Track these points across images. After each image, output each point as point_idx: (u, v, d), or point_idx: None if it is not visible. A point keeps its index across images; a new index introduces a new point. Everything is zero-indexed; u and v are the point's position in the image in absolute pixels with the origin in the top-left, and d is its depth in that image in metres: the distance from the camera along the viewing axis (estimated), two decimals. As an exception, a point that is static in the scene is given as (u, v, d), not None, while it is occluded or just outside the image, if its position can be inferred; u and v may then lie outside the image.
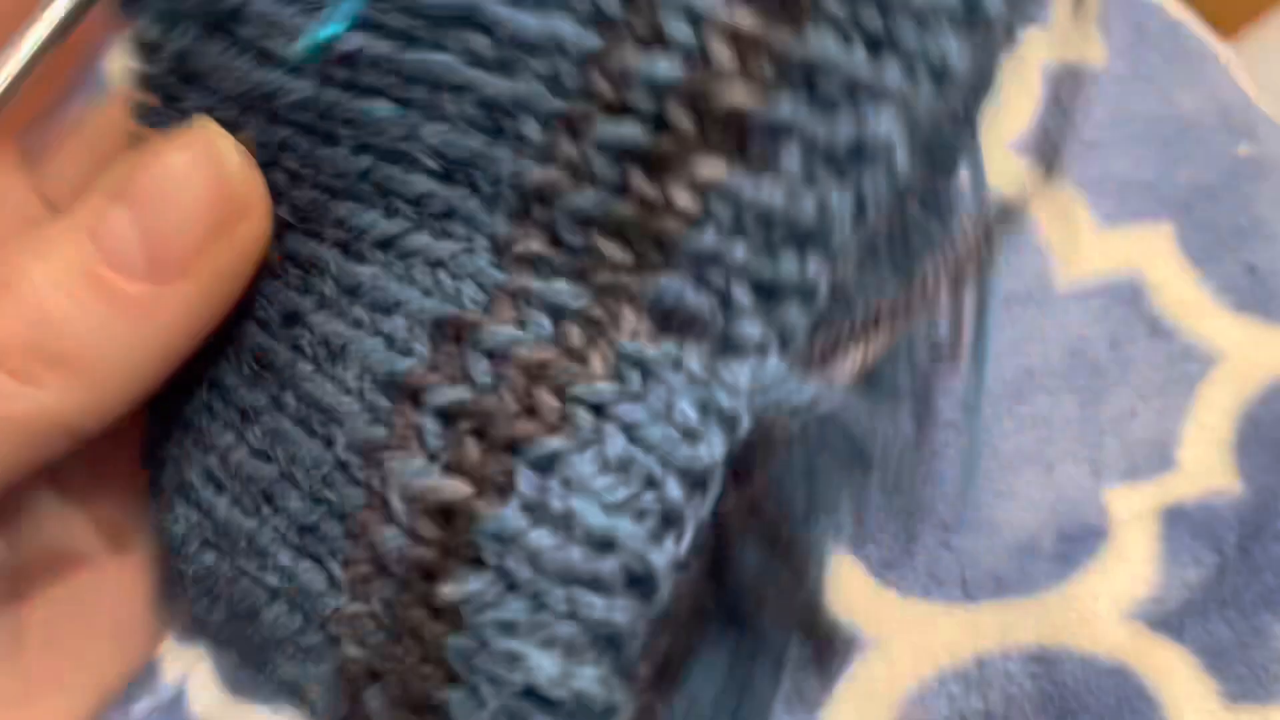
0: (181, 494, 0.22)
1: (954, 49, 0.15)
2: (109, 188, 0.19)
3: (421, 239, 0.18)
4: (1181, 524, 0.33)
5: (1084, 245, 0.36)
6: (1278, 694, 0.32)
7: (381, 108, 0.18)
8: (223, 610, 0.21)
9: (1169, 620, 0.32)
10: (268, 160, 0.19)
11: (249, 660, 0.22)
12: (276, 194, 0.20)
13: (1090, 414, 0.34)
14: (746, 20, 0.16)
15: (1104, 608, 0.32)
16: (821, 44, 0.15)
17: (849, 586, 0.32)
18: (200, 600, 0.22)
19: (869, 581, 0.33)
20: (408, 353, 0.18)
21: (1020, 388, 0.34)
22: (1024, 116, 0.34)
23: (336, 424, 0.19)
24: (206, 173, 0.19)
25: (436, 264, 0.18)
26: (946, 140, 0.18)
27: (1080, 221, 0.36)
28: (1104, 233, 0.36)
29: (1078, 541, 0.33)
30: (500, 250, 0.18)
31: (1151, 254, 0.36)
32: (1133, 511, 0.33)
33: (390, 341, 0.18)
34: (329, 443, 0.19)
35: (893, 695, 0.31)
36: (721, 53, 0.16)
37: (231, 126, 0.19)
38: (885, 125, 0.16)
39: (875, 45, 0.16)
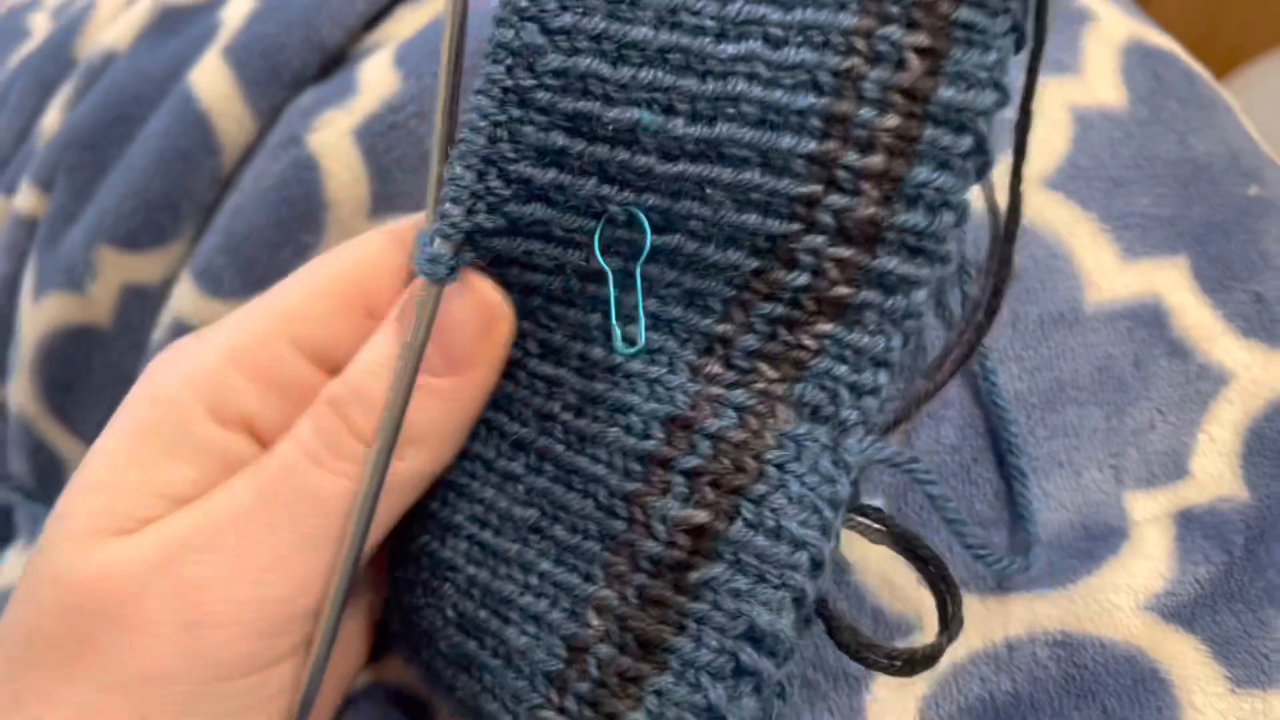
0: (451, 531, 0.31)
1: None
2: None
3: (638, 365, 0.28)
4: (1194, 526, 0.34)
5: (1109, 273, 0.36)
6: (1279, 680, 0.32)
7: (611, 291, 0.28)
8: (472, 604, 0.30)
9: (1181, 612, 0.33)
10: (524, 312, 0.29)
11: (473, 633, 0.30)
12: (526, 335, 0.30)
13: (1114, 425, 0.35)
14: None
15: (1123, 600, 0.33)
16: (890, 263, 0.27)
17: (895, 576, 0.33)
18: (448, 599, 0.31)
19: (912, 575, 0.32)
20: (647, 438, 0.27)
21: (1052, 399, 0.35)
22: (1056, 155, 0.37)
23: (595, 482, 0.28)
24: (472, 295, 0.28)
25: (653, 381, 0.28)
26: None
27: (1106, 252, 0.37)
28: (1127, 262, 0.36)
29: (1100, 540, 0.34)
30: (694, 371, 0.28)
31: (1169, 283, 0.36)
32: (1150, 514, 0.34)
33: (629, 430, 0.28)
34: (587, 494, 0.28)
35: (929, 674, 0.32)
36: (833, 273, 0.27)
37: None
38: (919, 302, 0.27)
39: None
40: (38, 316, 0.48)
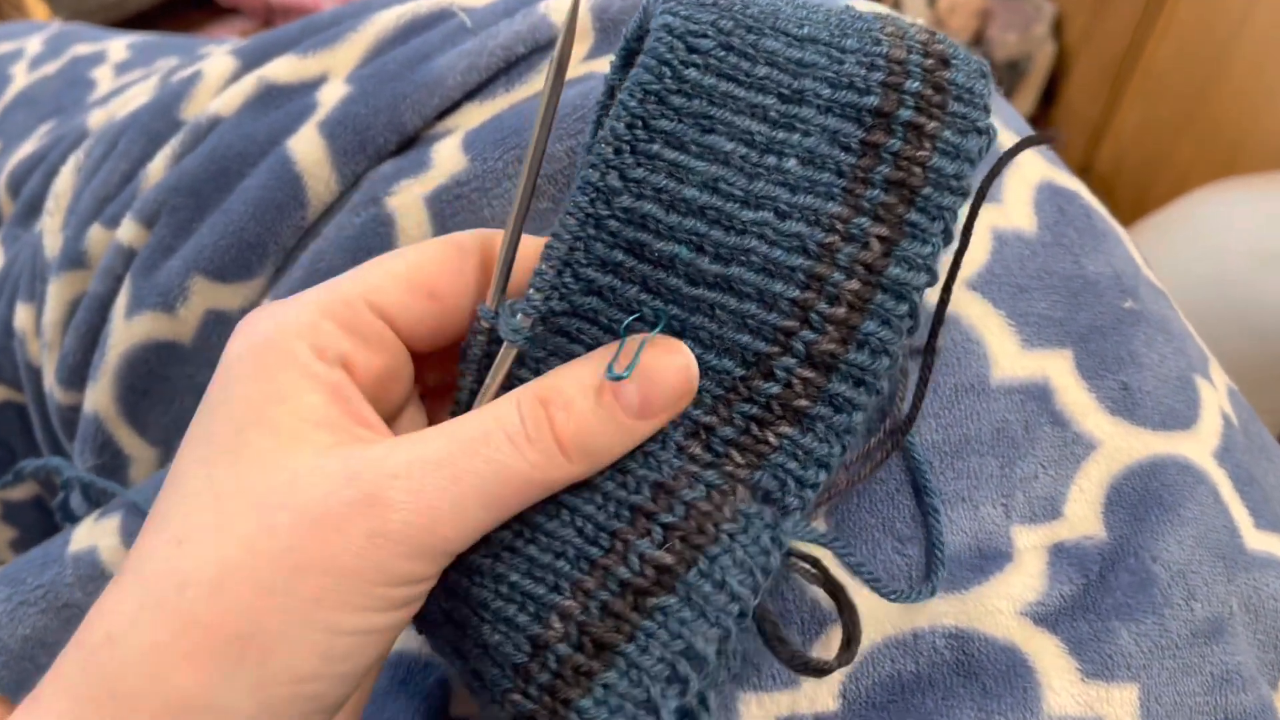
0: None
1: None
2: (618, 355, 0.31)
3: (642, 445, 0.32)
4: (1063, 555, 0.37)
5: (1011, 357, 0.39)
6: (1118, 676, 0.35)
7: None
8: (457, 604, 0.32)
9: (1048, 618, 0.36)
10: None
11: (460, 627, 0.32)
12: None
13: (1006, 473, 0.37)
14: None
15: (1004, 605, 0.36)
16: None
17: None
18: (438, 600, 0.33)
19: (841, 572, 0.36)
20: (638, 494, 0.31)
21: (960, 449, 0.37)
22: (977, 264, 0.39)
23: (585, 519, 0.31)
24: (685, 374, 0.31)
25: (648, 454, 0.31)
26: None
27: (1010, 341, 0.39)
28: (1026, 351, 0.39)
29: (990, 560, 0.37)
30: (680, 449, 0.32)
31: (1056, 369, 0.39)
32: (1030, 544, 0.37)
33: (624, 486, 0.31)
34: (572, 526, 0.31)
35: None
36: (798, 388, 0.31)
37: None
38: (858, 421, 0.31)
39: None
40: (128, 331, 0.51)
